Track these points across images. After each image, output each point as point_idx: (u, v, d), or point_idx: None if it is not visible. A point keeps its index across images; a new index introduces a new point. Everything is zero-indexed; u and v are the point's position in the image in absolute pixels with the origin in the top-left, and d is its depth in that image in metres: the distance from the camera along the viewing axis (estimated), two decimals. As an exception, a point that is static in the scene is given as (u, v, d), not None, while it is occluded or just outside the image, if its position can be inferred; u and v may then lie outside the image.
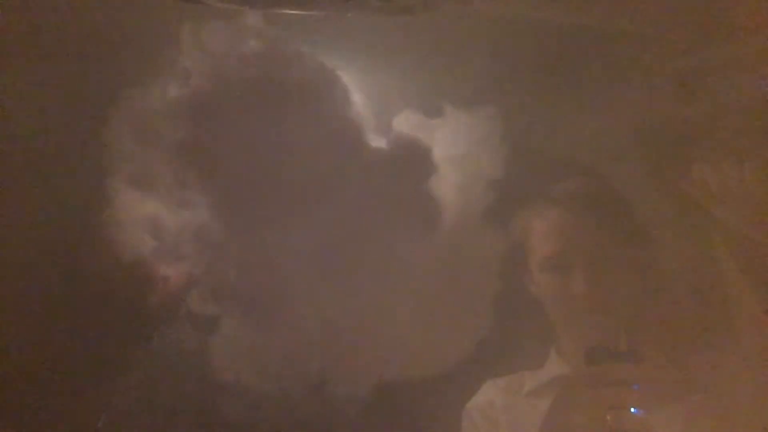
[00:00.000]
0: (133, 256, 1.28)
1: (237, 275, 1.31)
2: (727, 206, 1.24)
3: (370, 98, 1.45)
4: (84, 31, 1.28)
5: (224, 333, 1.35)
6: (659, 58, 1.41)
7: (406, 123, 1.44)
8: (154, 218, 1.31)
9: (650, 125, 1.51)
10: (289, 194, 1.34)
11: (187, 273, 1.34)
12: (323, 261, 1.36)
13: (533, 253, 1.38)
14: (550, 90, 1.50)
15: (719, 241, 1.38)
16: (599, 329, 1.27)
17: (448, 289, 1.45)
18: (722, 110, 1.40)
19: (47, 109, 1.43)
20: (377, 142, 1.41)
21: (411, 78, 1.45)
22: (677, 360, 1.30)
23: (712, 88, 1.40)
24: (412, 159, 1.39)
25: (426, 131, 1.43)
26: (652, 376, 1.21)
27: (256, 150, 1.32)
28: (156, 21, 1.25)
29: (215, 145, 1.28)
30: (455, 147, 1.45)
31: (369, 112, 1.43)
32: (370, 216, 1.37)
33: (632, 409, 1.16)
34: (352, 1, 1.24)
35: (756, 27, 1.32)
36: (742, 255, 1.29)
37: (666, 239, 1.43)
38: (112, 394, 1.26)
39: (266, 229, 1.34)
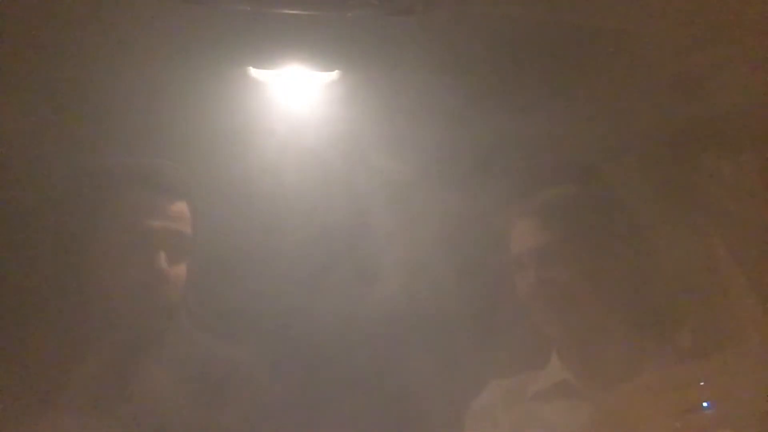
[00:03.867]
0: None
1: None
2: (740, 200, 1.23)
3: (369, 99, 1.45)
4: (83, 31, 1.27)
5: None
6: (659, 58, 1.41)
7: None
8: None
9: (650, 125, 1.51)
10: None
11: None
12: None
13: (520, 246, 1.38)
14: (550, 90, 1.50)
15: (720, 239, 1.38)
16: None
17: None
18: (722, 110, 1.40)
19: (44, 112, 1.42)
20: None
21: (411, 78, 1.44)
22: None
23: (712, 88, 1.40)
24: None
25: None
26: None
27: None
28: (156, 21, 1.23)
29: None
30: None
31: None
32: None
33: (704, 404, 1.13)
34: (352, 1, 1.23)
35: (756, 27, 1.32)
36: (745, 253, 1.29)
37: (664, 240, 1.43)
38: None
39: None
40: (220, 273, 1.42)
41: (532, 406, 1.35)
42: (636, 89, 1.46)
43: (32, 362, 1.23)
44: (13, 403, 1.19)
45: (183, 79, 1.38)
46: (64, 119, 1.41)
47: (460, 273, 1.55)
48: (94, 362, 1.25)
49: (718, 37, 1.34)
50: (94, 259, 1.29)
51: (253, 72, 1.37)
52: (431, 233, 1.54)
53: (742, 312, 1.35)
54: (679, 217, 1.44)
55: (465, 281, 1.55)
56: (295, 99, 1.43)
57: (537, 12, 1.29)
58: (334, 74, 1.39)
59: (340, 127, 1.45)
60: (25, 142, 1.37)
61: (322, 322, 1.50)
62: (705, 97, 1.40)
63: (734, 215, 1.31)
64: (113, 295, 1.27)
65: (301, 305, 1.49)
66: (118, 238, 1.28)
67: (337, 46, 1.34)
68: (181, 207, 1.33)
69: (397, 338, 1.49)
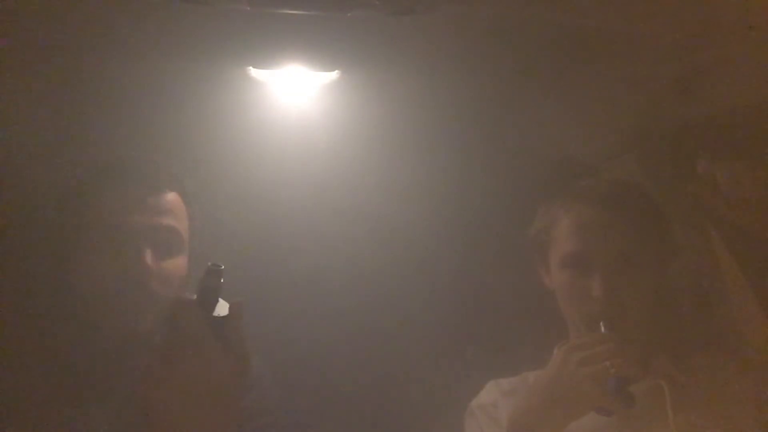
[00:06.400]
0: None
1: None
2: (735, 205, 1.23)
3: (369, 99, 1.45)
4: (82, 31, 1.27)
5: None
6: (659, 58, 1.41)
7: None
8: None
9: (650, 125, 1.51)
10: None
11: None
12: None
13: (555, 247, 1.35)
14: (549, 90, 1.50)
15: (720, 240, 1.38)
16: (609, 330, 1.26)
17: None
18: (722, 110, 1.40)
19: (43, 110, 1.42)
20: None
21: (411, 78, 1.45)
22: (682, 365, 1.30)
23: (712, 88, 1.40)
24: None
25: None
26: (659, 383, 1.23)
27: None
28: (156, 21, 1.23)
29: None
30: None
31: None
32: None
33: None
34: (352, 1, 1.23)
35: (755, 27, 1.32)
36: (745, 254, 1.29)
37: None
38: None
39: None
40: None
41: None
42: (636, 89, 1.47)
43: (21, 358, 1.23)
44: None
45: (183, 79, 1.38)
46: (63, 118, 1.41)
47: (461, 271, 1.55)
48: (82, 358, 1.24)
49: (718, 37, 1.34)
50: (81, 254, 1.26)
51: (253, 72, 1.37)
52: (432, 232, 1.55)
53: (740, 315, 1.35)
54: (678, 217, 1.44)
55: (466, 280, 1.56)
56: (295, 99, 1.43)
57: (537, 12, 1.28)
58: (334, 74, 1.39)
59: (340, 126, 1.45)
60: (25, 141, 1.37)
61: (321, 320, 1.50)
62: (704, 97, 1.40)
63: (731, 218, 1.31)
64: (100, 290, 1.24)
65: (300, 303, 1.49)
66: (105, 233, 1.25)
67: (337, 46, 1.33)
68: (173, 200, 1.29)
69: (398, 337, 1.50)
